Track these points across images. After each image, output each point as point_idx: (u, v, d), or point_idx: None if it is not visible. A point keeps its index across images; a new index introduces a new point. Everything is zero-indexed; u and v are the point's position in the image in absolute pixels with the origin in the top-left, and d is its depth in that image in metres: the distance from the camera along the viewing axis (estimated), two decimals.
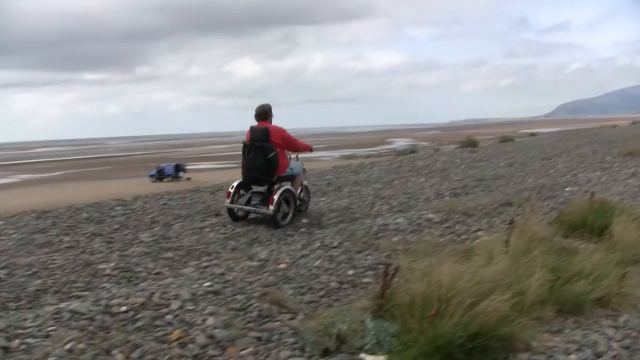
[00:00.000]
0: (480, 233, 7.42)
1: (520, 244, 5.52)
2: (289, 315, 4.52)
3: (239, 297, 4.75)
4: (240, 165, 8.54)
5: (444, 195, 11.00)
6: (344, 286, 5.41)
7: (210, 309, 4.41)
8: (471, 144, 28.19)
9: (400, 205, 9.84)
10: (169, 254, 6.98)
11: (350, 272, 5.76)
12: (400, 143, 54.31)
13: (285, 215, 8.26)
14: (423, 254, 5.88)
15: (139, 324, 4.14)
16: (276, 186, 8.23)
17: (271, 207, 7.94)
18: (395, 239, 6.98)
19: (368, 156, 31.82)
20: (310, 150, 9.08)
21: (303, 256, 6.15)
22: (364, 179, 14.20)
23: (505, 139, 35.66)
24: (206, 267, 5.76)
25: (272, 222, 8.09)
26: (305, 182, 9.21)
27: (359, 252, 6.41)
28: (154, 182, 20.50)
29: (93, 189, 18.80)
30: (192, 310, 4.38)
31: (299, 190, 8.72)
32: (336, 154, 39.42)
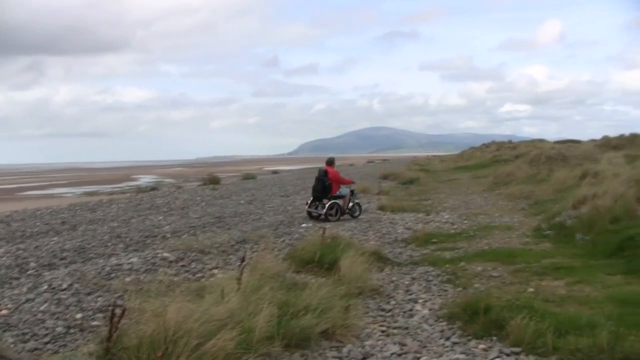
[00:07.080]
0: (215, 271, 7.56)
1: (253, 280, 5.66)
2: None
3: None
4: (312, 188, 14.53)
5: (181, 233, 11.02)
6: (72, 330, 5.17)
7: None
8: (213, 181, 28.72)
9: (136, 244, 9.66)
10: None
11: (79, 315, 5.52)
12: (145, 180, 53.27)
13: (333, 215, 13.51)
14: (156, 294, 5.85)
15: None
16: (328, 200, 13.56)
17: (323, 211, 13.41)
18: (128, 279, 6.85)
19: (111, 193, 30.80)
20: (353, 182, 15.28)
21: (28, 300, 5.79)
22: (101, 217, 13.77)
23: (248, 177, 36.94)
24: None
25: (324, 219, 13.25)
26: (357, 200, 14.57)
27: (89, 293, 6.17)
28: None
29: None
30: None
31: (348, 205, 13.92)
32: (79, 190, 37.43)
